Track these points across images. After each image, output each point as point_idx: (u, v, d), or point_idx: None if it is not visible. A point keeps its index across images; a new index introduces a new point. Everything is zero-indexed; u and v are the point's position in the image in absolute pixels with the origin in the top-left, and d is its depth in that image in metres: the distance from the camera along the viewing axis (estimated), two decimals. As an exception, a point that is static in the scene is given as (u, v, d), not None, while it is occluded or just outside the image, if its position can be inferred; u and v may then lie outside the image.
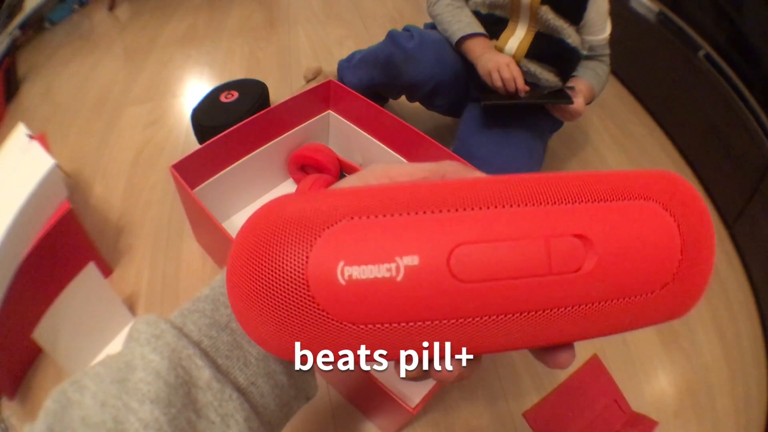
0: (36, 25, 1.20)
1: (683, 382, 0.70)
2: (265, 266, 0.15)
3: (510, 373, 0.65)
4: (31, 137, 0.62)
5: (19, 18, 1.14)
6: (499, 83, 0.73)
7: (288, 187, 0.79)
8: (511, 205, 0.16)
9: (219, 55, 1.15)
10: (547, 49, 0.78)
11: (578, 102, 0.76)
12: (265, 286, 0.15)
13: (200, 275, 0.69)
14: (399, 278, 0.15)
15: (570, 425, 0.62)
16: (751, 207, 0.89)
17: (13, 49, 1.08)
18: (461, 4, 0.80)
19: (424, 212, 0.16)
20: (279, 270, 0.15)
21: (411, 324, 0.15)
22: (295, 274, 0.15)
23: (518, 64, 0.80)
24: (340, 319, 0.15)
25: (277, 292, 0.15)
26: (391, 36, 0.78)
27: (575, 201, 0.16)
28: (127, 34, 1.21)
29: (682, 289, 0.17)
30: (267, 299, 0.15)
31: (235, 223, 0.73)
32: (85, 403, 0.17)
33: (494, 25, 0.79)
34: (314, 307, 0.15)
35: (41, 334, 0.50)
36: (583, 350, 0.69)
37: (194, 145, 0.79)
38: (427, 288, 0.15)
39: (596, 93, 0.83)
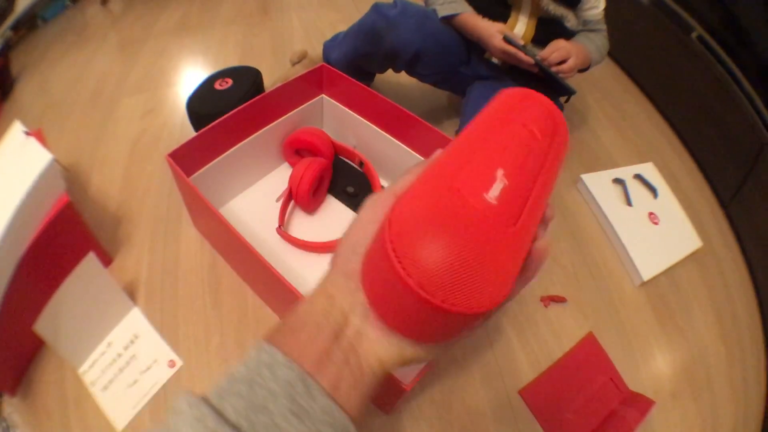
0: (29, 23, 1.19)
1: (680, 361, 0.70)
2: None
3: (506, 351, 0.66)
4: (27, 134, 0.63)
5: (11, 19, 1.13)
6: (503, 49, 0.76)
7: (283, 171, 0.79)
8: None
9: (213, 43, 1.15)
10: (550, 34, 0.80)
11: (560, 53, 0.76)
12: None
13: (199, 261, 0.70)
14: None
15: (566, 403, 0.63)
16: (745, 187, 0.89)
17: (6, 49, 1.08)
18: None
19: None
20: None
21: None
22: None
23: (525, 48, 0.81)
24: None
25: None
26: (375, 6, 0.80)
27: None
28: (121, 26, 1.21)
29: None
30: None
31: (232, 208, 0.74)
32: None
33: (497, 6, 0.81)
34: None
35: (43, 325, 0.51)
36: (578, 328, 0.70)
37: (190, 133, 0.78)
38: None
39: (594, 59, 0.83)
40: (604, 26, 0.85)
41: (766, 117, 0.87)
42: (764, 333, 0.77)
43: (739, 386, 0.69)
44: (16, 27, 1.14)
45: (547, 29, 0.80)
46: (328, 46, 0.93)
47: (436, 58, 0.82)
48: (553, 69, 0.76)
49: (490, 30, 0.76)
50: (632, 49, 1.18)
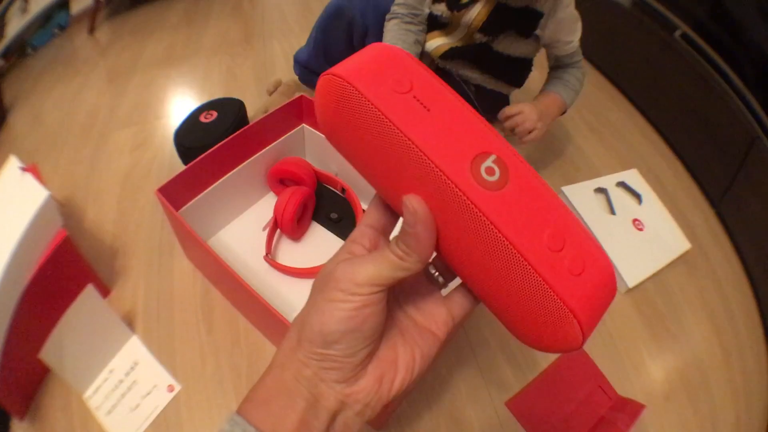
0: (18, 50, 1.27)
1: (672, 364, 0.73)
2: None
3: (491, 364, 0.70)
4: (23, 169, 0.67)
5: (1, 46, 1.21)
6: None
7: (269, 200, 0.85)
8: None
9: (198, 74, 1.22)
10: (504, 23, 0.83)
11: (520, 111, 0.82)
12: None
13: (192, 290, 0.77)
14: None
15: (554, 412, 0.66)
16: (736, 183, 0.93)
17: (-2, 77, 1.15)
18: (410, 27, 0.89)
19: None
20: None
21: None
22: None
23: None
24: None
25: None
26: None
27: None
28: (108, 57, 1.29)
29: None
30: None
31: (221, 239, 0.80)
32: None
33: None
34: None
35: (48, 353, 0.56)
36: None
37: (179, 165, 0.85)
38: None
39: (568, 101, 0.89)
40: (579, 56, 0.88)
41: (756, 109, 0.90)
42: (764, 328, 0.79)
43: (739, 384, 0.72)
44: (6, 54, 1.22)
45: (502, 17, 0.81)
46: (297, 53, 1.05)
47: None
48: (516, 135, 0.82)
49: None
50: (615, 56, 1.23)
